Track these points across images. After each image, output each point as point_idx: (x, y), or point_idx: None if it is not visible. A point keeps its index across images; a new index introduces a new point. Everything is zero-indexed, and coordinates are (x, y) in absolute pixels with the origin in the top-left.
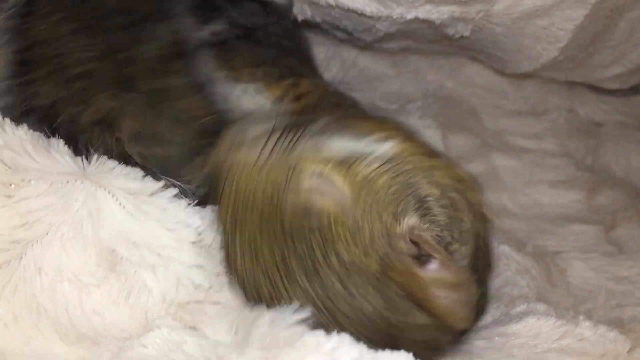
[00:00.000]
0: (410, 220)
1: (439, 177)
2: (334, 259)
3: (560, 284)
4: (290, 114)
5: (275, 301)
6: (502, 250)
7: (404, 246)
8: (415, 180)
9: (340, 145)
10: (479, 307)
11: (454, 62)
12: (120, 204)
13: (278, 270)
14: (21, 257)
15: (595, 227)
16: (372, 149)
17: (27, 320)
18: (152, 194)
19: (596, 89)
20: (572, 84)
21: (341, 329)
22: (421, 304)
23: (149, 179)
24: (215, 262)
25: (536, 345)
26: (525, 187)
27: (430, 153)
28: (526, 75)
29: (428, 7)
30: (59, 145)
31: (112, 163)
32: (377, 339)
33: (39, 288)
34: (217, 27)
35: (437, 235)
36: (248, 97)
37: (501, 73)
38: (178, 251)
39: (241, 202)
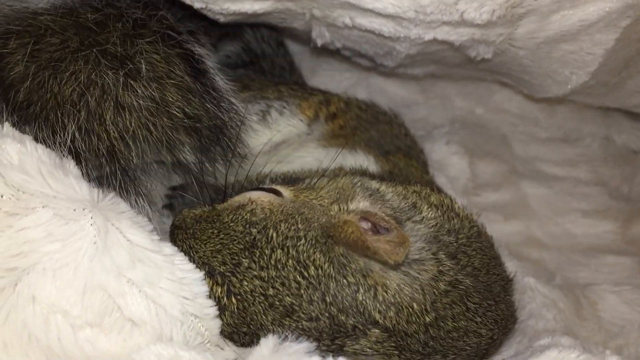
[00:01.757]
0: (361, 204)
1: (392, 185)
2: (272, 233)
3: (591, 318)
4: (327, 135)
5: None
6: (526, 283)
7: (352, 218)
8: (360, 179)
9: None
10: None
11: (484, 89)
12: (128, 240)
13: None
14: (16, 284)
15: (630, 259)
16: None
17: (16, 348)
18: (154, 246)
19: (634, 116)
20: (607, 111)
21: (294, 294)
22: (365, 253)
23: (155, 233)
24: (211, 318)
25: None
26: (556, 216)
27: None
28: (559, 101)
29: (446, 28)
30: (70, 166)
31: (125, 206)
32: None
33: (32, 317)
34: (231, 48)
35: (390, 214)
36: (284, 119)
37: (533, 99)
38: (175, 300)
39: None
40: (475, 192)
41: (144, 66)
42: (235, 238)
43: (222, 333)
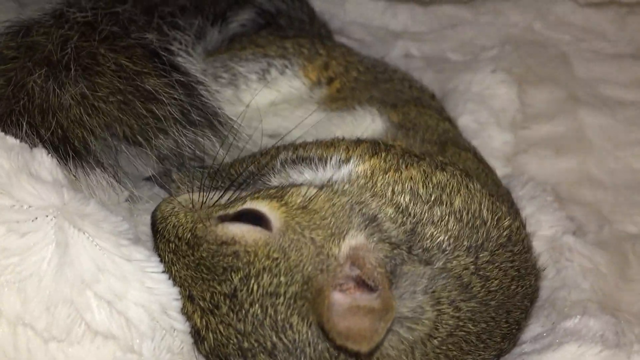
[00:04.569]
0: (354, 240)
1: (399, 190)
2: (253, 285)
3: (639, 279)
4: (327, 99)
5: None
6: (565, 242)
7: (341, 268)
8: (363, 199)
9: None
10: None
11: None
12: (95, 246)
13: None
14: None
15: None
16: (319, 175)
17: None
18: (124, 252)
19: None
20: None
21: (269, 353)
22: (323, 329)
23: (127, 235)
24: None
25: None
26: (617, 150)
27: (405, 162)
28: (631, 10)
29: None
30: (42, 157)
31: (94, 207)
32: None
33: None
34: (245, 16)
35: (385, 256)
36: (285, 79)
37: (601, 9)
38: (143, 313)
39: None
40: (524, 124)
41: (72, 66)
42: (216, 278)
43: (201, 353)
